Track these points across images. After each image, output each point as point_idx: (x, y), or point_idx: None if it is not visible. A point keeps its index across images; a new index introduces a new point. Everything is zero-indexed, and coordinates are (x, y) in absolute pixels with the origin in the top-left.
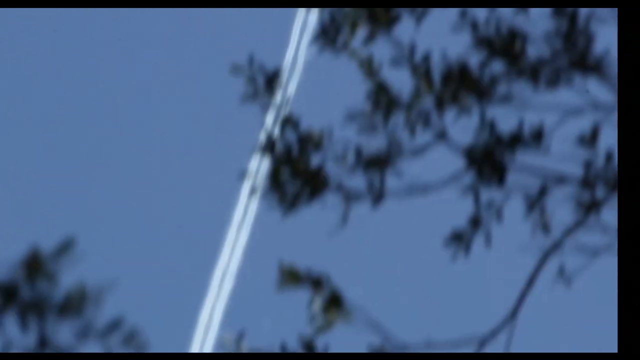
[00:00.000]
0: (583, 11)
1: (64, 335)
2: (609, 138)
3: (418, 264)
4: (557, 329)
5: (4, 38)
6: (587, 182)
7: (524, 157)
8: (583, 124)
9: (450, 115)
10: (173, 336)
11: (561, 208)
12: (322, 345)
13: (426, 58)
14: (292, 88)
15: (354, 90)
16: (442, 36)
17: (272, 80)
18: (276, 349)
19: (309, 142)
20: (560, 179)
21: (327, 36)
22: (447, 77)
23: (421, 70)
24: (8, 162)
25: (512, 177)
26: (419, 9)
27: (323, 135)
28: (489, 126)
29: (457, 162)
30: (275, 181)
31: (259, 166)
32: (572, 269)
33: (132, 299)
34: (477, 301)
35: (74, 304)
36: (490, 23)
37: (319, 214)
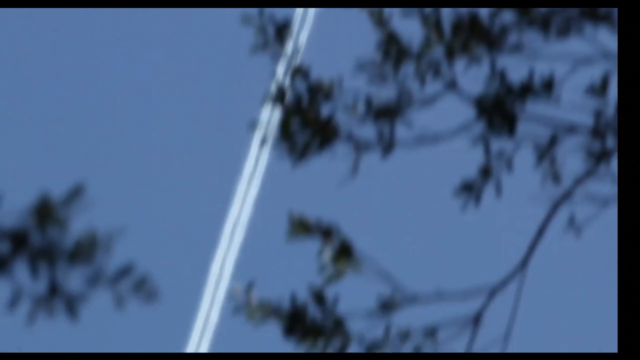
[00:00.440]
0: None
1: (74, 282)
2: None
3: (428, 214)
4: (567, 279)
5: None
6: (597, 132)
7: (534, 107)
8: (593, 73)
9: (460, 65)
10: (184, 285)
11: (571, 157)
12: (332, 295)
13: (436, 8)
14: (302, 38)
15: (364, 40)
16: None
17: (282, 30)
18: (286, 300)
19: (319, 92)
20: (571, 129)
21: None
22: (457, 26)
23: (431, 20)
24: (17, 108)
25: (522, 127)
26: None
27: (333, 85)
28: (499, 76)
29: (467, 112)
30: (285, 131)
31: (270, 117)
32: (582, 219)
33: (143, 247)
34: (487, 251)
35: (84, 251)
36: None
37: (329, 164)
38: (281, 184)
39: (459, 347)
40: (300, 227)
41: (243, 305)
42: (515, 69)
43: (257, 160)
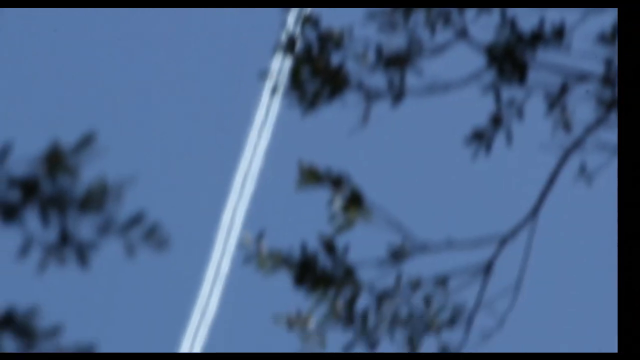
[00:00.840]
0: None
1: (85, 230)
2: None
3: (438, 163)
4: (578, 227)
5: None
6: (608, 80)
7: (545, 55)
8: (604, 21)
9: (470, 13)
10: (195, 235)
11: (582, 106)
12: (343, 244)
13: None
14: None
15: None
16: None
17: None
18: (296, 249)
19: (329, 41)
20: (581, 77)
21: None
22: None
23: None
24: (27, 56)
25: (533, 75)
26: None
27: (343, 34)
28: (509, 24)
29: (477, 60)
30: (295, 80)
31: (280, 66)
32: (593, 167)
33: (154, 196)
34: (498, 200)
35: (95, 199)
36: None
37: (339, 113)
38: (291, 133)
39: (469, 295)
40: (311, 176)
41: (253, 254)
42: (526, 17)
43: (268, 109)
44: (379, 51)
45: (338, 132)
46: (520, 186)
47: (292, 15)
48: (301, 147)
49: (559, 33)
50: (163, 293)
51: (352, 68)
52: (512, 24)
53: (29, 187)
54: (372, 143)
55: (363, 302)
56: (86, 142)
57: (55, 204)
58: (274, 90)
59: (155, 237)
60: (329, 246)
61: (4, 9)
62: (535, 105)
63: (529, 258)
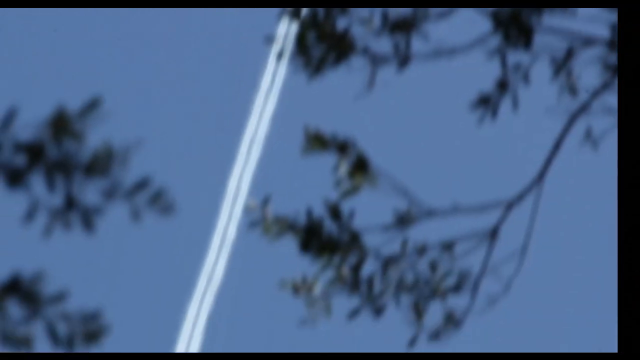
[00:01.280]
0: None
1: (90, 195)
2: None
3: (444, 128)
4: (584, 192)
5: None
6: (614, 44)
7: (550, 19)
8: None
9: None
10: (201, 200)
11: (588, 70)
12: (348, 209)
13: None
14: None
15: None
16: None
17: None
18: (302, 215)
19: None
20: (587, 41)
21: None
22: None
23: None
24: (33, 21)
25: (538, 40)
26: None
27: None
28: None
29: (483, 25)
30: (301, 45)
31: (286, 31)
32: (599, 131)
33: (160, 161)
34: (504, 165)
35: (101, 164)
36: None
37: (345, 77)
38: (297, 98)
39: (475, 261)
40: (316, 141)
41: (259, 220)
42: None
43: (274, 75)
44: (384, 16)
45: (344, 97)
46: (526, 151)
47: None
48: (307, 112)
49: None
50: (169, 258)
51: (358, 33)
52: None
53: (34, 152)
54: (377, 108)
55: (369, 267)
56: (92, 106)
57: (60, 169)
58: (279, 56)
59: (161, 202)
60: (335, 212)
61: None
62: (541, 70)
63: (534, 223)
